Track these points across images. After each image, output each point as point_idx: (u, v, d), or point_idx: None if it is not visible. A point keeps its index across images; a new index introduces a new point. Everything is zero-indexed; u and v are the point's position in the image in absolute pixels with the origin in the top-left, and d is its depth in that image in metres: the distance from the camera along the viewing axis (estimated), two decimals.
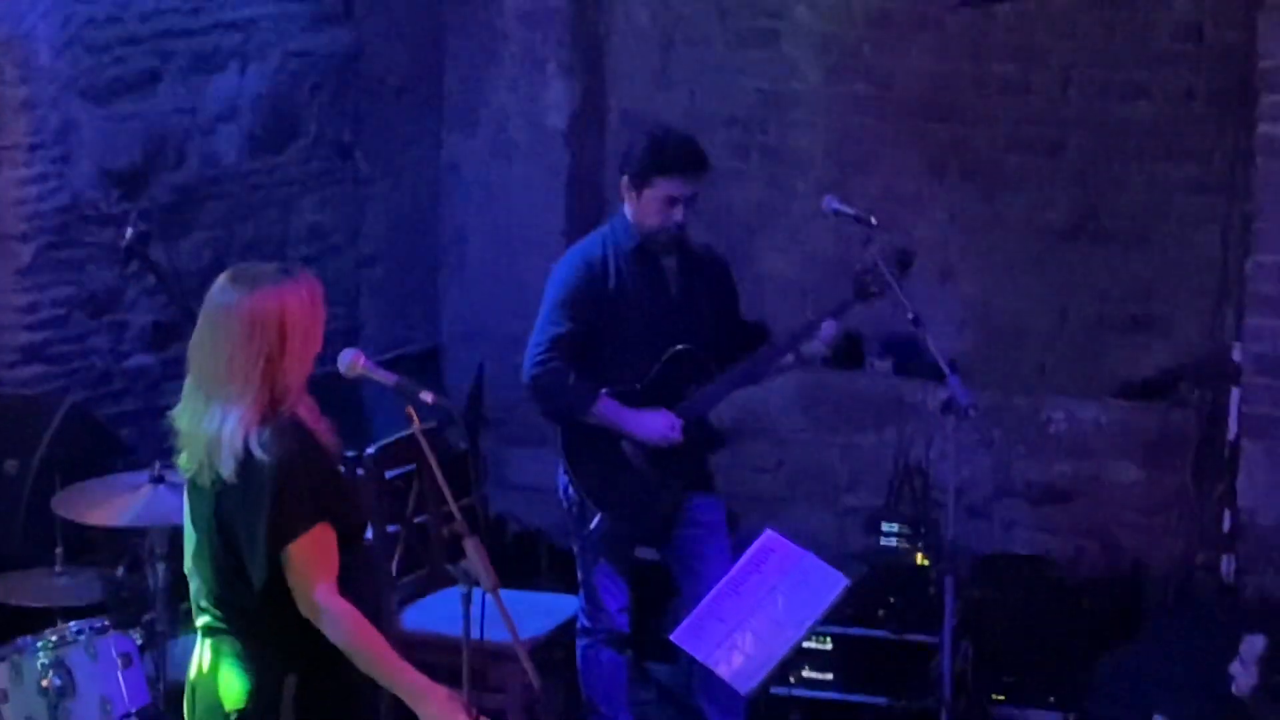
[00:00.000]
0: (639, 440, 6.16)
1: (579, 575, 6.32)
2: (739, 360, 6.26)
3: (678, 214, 6.13)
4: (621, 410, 6.15)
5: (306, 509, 4.30)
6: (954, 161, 7.96)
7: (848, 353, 7.90)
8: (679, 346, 6.21)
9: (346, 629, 4.33)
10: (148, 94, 7.01)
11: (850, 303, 6.17)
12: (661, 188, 6.11)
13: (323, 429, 4.43)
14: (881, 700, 6.82)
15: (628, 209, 6.21)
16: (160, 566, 5.58)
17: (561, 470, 6.25)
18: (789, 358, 6.26)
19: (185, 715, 4.53)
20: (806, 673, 6.89)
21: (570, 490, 6.23)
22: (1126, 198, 7.73)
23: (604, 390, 6.14)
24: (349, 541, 4.43)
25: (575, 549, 6.33)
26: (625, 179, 6.19)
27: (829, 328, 6.17)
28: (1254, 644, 5.46)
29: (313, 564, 4.31)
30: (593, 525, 6.18)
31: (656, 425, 6.14)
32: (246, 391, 4.29)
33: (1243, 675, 5.37)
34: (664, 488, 6.23)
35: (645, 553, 6.46)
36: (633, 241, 6.20)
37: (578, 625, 6.36)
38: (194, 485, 4.43)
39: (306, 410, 4.40)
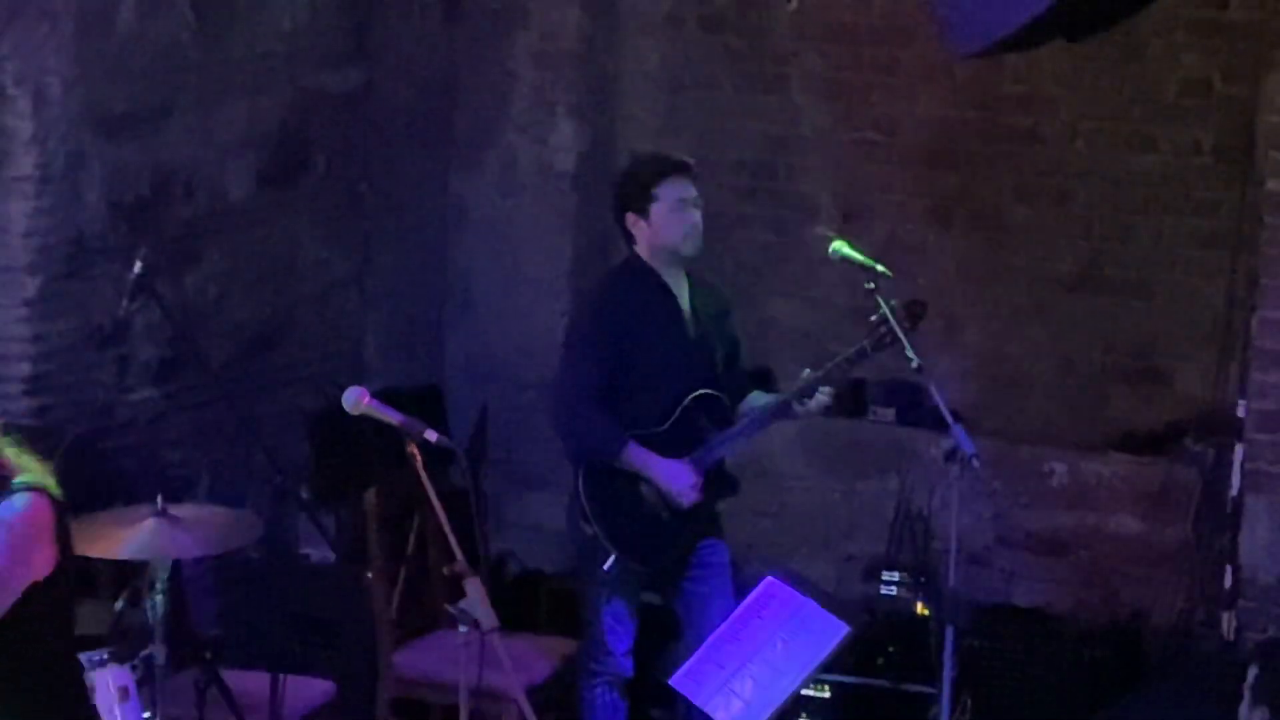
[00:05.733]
0: (660, 486, 6.16)
1: (585, 616, 6.30)
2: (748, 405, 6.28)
3: (694, 216, 6.14)
4: (649, 457, 6.13)
5: None
6: (960, 210, 7.97)
7: (851, 400, 7.90)
8: (700, 390, 6.20)
9: None
10: (158, 128, 7.01)
11: (866, 353, 6.11)
12: (667, 194, 6.13)
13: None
14: None
15: (642, 245, 6.21)
16: (160, 600, 5.57)
17: (576, 509, 6.22)
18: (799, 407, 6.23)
19: None
20: None
21: (585, 529, 6.19)
22: (1132, 250, 7.74)
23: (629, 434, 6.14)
24: None
25: (583, 590, 6.30)
26: (630, 215, 6.19)
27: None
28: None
29: None
30: (606, 566, 6.16)
31: (681, 478, 6.13)
32: None
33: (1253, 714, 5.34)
34: (679, 531, 6.23)
35: (647, 596, 6.44)
36: (650, 280, 6.20)
37: (580, 667, 6.34)
38: None
39: None
